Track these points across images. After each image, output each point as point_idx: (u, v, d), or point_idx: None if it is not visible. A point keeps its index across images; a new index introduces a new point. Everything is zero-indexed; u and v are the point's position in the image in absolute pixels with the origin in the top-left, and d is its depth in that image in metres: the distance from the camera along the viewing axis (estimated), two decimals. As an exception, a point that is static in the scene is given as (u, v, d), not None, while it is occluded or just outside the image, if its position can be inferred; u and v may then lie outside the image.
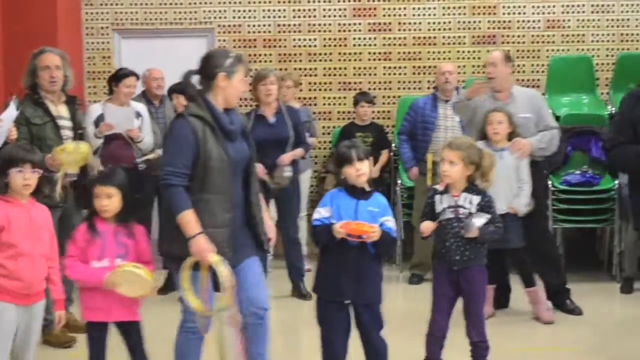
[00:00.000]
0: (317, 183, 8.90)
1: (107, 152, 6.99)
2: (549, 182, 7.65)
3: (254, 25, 9.16)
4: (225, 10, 9.17)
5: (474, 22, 9.10)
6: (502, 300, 6.54)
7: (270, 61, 9.08)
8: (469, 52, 9.07)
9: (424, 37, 9.13)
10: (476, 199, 4.67)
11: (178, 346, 4.38)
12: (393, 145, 8.49)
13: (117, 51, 9.24)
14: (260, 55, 9.13)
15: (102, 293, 4.23)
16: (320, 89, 9.17)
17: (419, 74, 9.12)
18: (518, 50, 9.06)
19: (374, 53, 9.14)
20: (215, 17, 9.17)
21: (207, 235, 4.16)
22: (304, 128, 7.44)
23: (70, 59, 6.01)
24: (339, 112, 9.16)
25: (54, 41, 7.74)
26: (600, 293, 7.23)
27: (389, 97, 9.14)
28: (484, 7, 9.10)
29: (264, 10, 9.15)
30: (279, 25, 9.15)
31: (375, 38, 9.13)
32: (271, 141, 6.77)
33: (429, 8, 9.11)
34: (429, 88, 8.63)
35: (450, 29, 9.11)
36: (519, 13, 9.10)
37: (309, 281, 6.04)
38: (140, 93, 8.02)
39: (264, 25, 9.15)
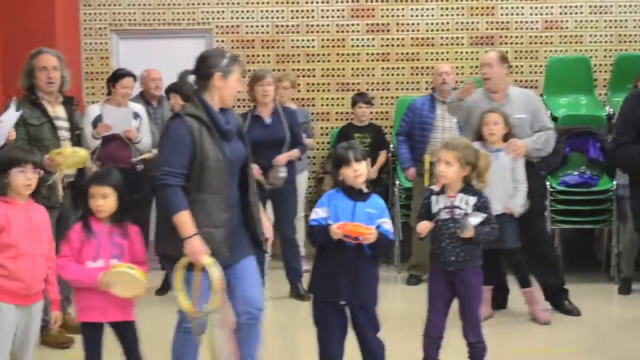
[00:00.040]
0: (315, 184, 8.90)
1: (105, 153, 6.99)
2: (547, 183, 7.66)
3: (252, 26, 9.16)
4: (223, 11, 9.17)
5: (472, 22, 9.11)
6: (500, 301, 6.55)
7: (269, 62, 9.08)
8: (467, 52, 9.08)
9: (422, 38, 9.13)
10: (472, 200, 4.67)
11: (175, 346, 4.39)
12: (391, 146, 8.48)
13: (115, 52, 9.24)
14: (258, 55, 9.14)
15: (97, 293, 4.22)
16: (318, 90, 9.17)
17: (417, 74, 9.13)
18: (516, 51, 9.06)
19: (372, 54, 9.14)
20: (213, 18, 9.17)
21: (205, 235, 4.17)
22: (301, 129, 7.45)
23: (68, 60, 6.01)
24: (337, 112, 9.16)
25: (52, 42, 7.73)
26: (598, 294, 7.24)
27: (387, 97, 9.14)
28: (482, 8, 9.11)
29: (262, 11, 9.15)
30: (277, 25, 9.15)
31: (373, 39, 9.13)
32: (267, 142, 6.77)
33: (427, 9, 9.11)
34: (427, 89, 8.64)
35: (448, 29, 9.12)
36: (517, 14, 9.11)
37: (307, 282, 6.04)
38: (139, 94, 8.03)
39: (262, 26, 9.15)
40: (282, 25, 9.15)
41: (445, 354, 4.80)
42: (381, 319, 4.54)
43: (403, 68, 9.14)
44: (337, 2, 9.11)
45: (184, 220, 4.13)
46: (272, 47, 9.16)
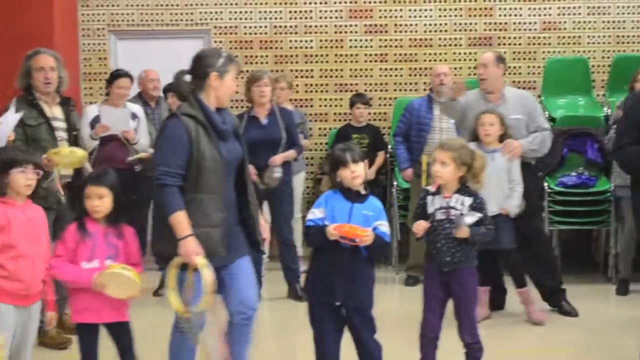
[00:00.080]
0: (313, 184, 8.91)
1: (103, 154, 6.99)
2: (545, 184, 7.66)
3: (250, 27, 9.16)
4: (221, 12, 9.17)
5: (470, 23, 9.11)
6: (497, 302, 6.55)
7: (267, 62, 9.08)
8: (465, 53, 9.08)
9: (420, 39, 9.13)
10: (468, 201, 4.67)
11: (172, 347, 4.39)
12: (389, 146, 8.48)
13: (114, 52, 9.24)
14: (256, 56, 9.14)
15: (92, 294, 4.22)
16: (316, 91, 9.17)
17: (415, 75, 9.13)
18: (514, 52, 9.07)
19: (370, 55, 9.15)
20: (211, 19, 9.17)
21: (202, 235, 4.18)
22: (298, 130, 7.45)
23: (66, 61, 6.02)
24: (335, 113, 9.16)
25: (50, 42, 7.74)
26: (596, 295, 7.24)
27: (385, 98, 9.14)
28: (480, 9, 9.11)
29: (260, 12, 9.15)
30: (275, 26, 9.15)
31: (371, 40, 9.14)
32: (263, 142, 6.77)
33: (425, 10, 9.11)
34: (425, 90, 8.64)
35: (446, 30, 9.12)
36: (515, 15, 9.11)
37: (304, 283, 6.03)
38: (137, 94, 8.03)
39: (260, 27, 9.15)
40: (281, 26, 9.15)
41: (442, 354, 4.79)
42: (379, 320, 4.54)
43: (401, 69, 9.14)
44: (335, 2, 9.11)
45: (180, 220, 4.14)
46: (271, 47, 9.16)
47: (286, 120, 7.04)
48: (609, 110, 8.24)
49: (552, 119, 8.18)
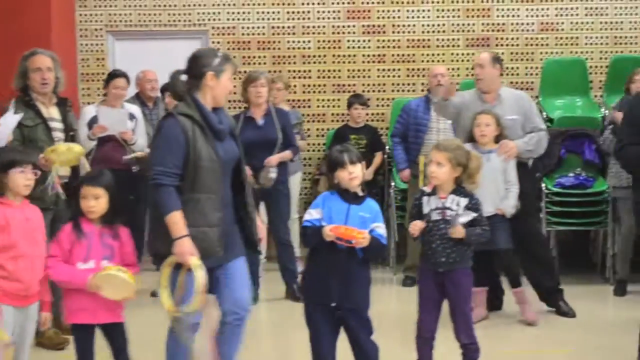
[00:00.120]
0: (310, 185, 8.91)
1: (101, 154, 6.99)
2: (543, 185, 7.67)
3: (248, 27, 9.16)
4: (219, 12, 9.17)
5: (468, 24, 9.12)
6: (495, 303, 6.55)
7: (264, 63, 9.08)
8: (462, 54, 9.08)
9: (418, 40, 9.14)
10: (463, 201, 4.67)
11: (169, 347, 4.39)
12: (387, 147, 8.49)
13: (111, 53, 9.24)
14: (254, 57, 9.14)
15: (88, 295, 4.21)
16: (314, 91, 9.17)
17: (413, 76, 9.13)
18: (512, 53, 9.08)
19: (368, 55, 9.15)
20: (209, 19, 9.17)
21: (199, 235, 4.18)
22: (294, 130, 7.45)
23: (64, 61, 6.01)
24: (332, 114, 9.16)
25: (48, 43, 7.73)
26: (593, 295, 7.25)
27: (383, 99, 9.15)
28: (478, 10, 9.12)
29: (258, 12, 9.15)
30: (273, 27, 9.15)
31: (369, 40, 9.14)
32: (259, 143, 6.77)
33: (423, 10, 9.12)
34: (422, 90, 8.64)
35: (444, 31, 9.12)
36: (513, 16, 9.12)
37: (302, 283, 6.03)
38: (134, 95, 8.03)
39: (258, 27, 9.15)
40: (278, 27, 9.15)
41: (439, 355, 4.79)
42: (376, 321, 4.53)
43: (399, 70, 9.15)
44: (333, 3, 9.12)
45: (176, 220, 4.13)
46: (268, 48, 9.16)
47: (282, 120, 7.04)
48: (607, 111, 8.24)
49: (549, 120, 8.18)
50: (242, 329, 4.48)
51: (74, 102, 7.56)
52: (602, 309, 6.98)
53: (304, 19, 9.13)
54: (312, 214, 4.42)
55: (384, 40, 9.14)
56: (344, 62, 9.16)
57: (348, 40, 9.15)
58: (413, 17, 9.12)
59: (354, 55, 9.15)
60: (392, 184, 8.24)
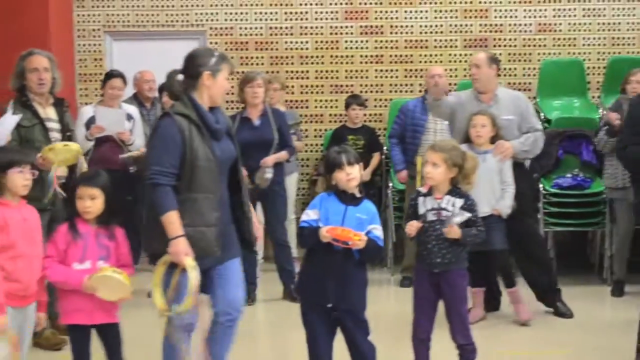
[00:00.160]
0: (308, 186, 8.91)
1: (98, 155, 6.99)
2: (540, 186, 7.67)
3: (245, 28, 9.16)
4: (217, 13, 9.16)
5: (466, 25, 9.12)
6: (493, 304, 6.56)
7: (262, 64, 9.08)
8: (460, 55, 9.08)
9: (416, 40, 9.14)
10: (459, 202, 4.67)
11: (165, 348, 4.38)
12: (385, 148, 8.49)
13: (109, 53, 9.24)
14: (252, 57, 9.14)
15: (84, 295, 4.21)
16: (312, 92, 9.17)
17: (410, 77, 9.13)
18: (510, 54, 9.08)
19: (366, 56, 9.15)
20: (207, 20, 9.17)
21: (197, 234, 4.18)
22: (291, 131, 7.45)
23: (62, 61, 6.01)
24: (330, 114, 9.16)
25: (46, 43, 7.74)
26: (591, 296, 7.25)
27: (380, 100, 9.15)
28: (476, 11, 9.12)
29: (255, 13, 9.15)
30: (270, 27, 9.15)
31: (367, 41, 9.14)
32: (255, 143, 6.77)
33: (421, 11, 9.12)
34: (420, 91, 8.64)
35: (442, 32, 9.13)
36: (511, 17, 9.12)
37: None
38: (132, 95, 8.03)
39: (256, 28, 9.15)
40: (276, 27, 9.15)
41: (436, 355, 4.79)
42: (374, 321, 4.54)
43: (397, 70, 9.15)
44: (331, 4, 9.12)
45: (172, 220, 4.13)
46: (266, 49, 9.16)
47: (278, 121, 7.04)
48: (604, 112, 8.24)
49: (547, 121, 8.19)
50: (234, 330, 4.48)
51: (72, 103, 7.57)
52: (599, 310, 6.99)
53: (301, 19, 9.13)
54: (309, 215, 4.42)
55: (381, 41, 9.14)
56: (341, 63, 9.16)
57: (346, 41, 9.15)
58: (411, 18, 9.12)
59: (352, 56, 9.15)
60: (390, 184, 8.25)
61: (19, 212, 4.23)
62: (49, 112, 5.80)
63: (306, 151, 8.98)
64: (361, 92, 8.99)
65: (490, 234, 5.20)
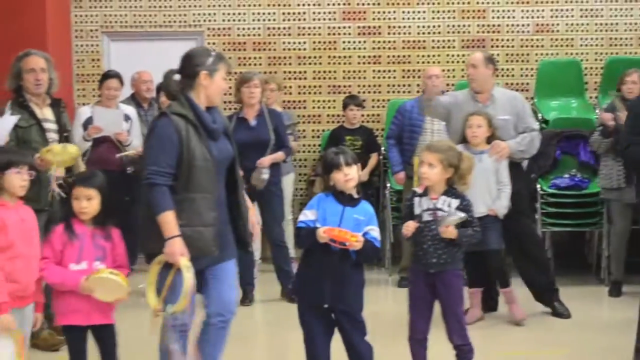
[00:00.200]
0: (306, 186, 8.90)
1: (96, 155, 6.99)
2: (538, 186, 7.68)
3: (243, 28, 9.15)
4: (214, 13, 9.16)
5: (463, 25, 9.12)
6: (490, 304, 6.56)
7: (260, 64, 9.08)
8: (458, 55, 9.07)
9: (414, 41, 9.14)
10: (455, 203, 4.67)
11: (162, 348, 4.36)
12: (382, 148, 8.49)
13: (107, 54, 9.23)
14: (249, 58, 9.13)
15: (80, 296, 4.20)
16: (309, 92, 9.17)
17: (408, 77, 9.13)
18: (507, 54, 9.08)
19: (364, 56, 9.15)
20: (204, 20, 9.16)
21: (195, 234, 4.18)
22: (287, 131, 7.45)
23: (59, 62, 6.01)
24: (328, 115, 9.16)
25: (44, 44, 7.73)
26: (588, 296, 7.26)
27: (378, 100, 9.14)
28: (474, 11, 9.12)
29: (253, 14, 9.14)
30: (268, 28, 9.15)
31: (364, 41, 9.14)
32: (252, 144, 6.77)
33: (419, 12, 9.12)
34: (418, 92, 8.64)
35: (439, 32, 9.12)
36: (509, 17, 9.12)
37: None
38: (130, 96, 8.03)
39: (254, 28, 9.14)
40: (274, 28, 9.14)
41: (434, 356, 4.79)
42: (372, 322, 4.54)
43: (394, 71, 9.15)
44: (328, 4, 9.12)
45: (168, 220, 4.13)
46: (264, 49, 9.15)
47: (275, 121, 7.04)
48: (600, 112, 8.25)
49: (545, 121, 8.20)
50: (227, 331, 4.47)
51: (69, 103, 7.57)
52: (597, 310, 7.00)
53: (299, 20, 9.13)
54: (307, 215, 4.43)
55: (379, 42, 9.14)
56: (339, 63, 9.15)
57: (343, 42, 9.14)
58: (408, 19, 9.12)
59: (350, 57, 9.15)
60: (388, 185, 8.25)
61: (17, 212, 4.22)
62: (46, 113, 5.80)
63: (304, 152, 8.97)
64: (359, 92, 8.99)
65: (486, 234, 5.20)
